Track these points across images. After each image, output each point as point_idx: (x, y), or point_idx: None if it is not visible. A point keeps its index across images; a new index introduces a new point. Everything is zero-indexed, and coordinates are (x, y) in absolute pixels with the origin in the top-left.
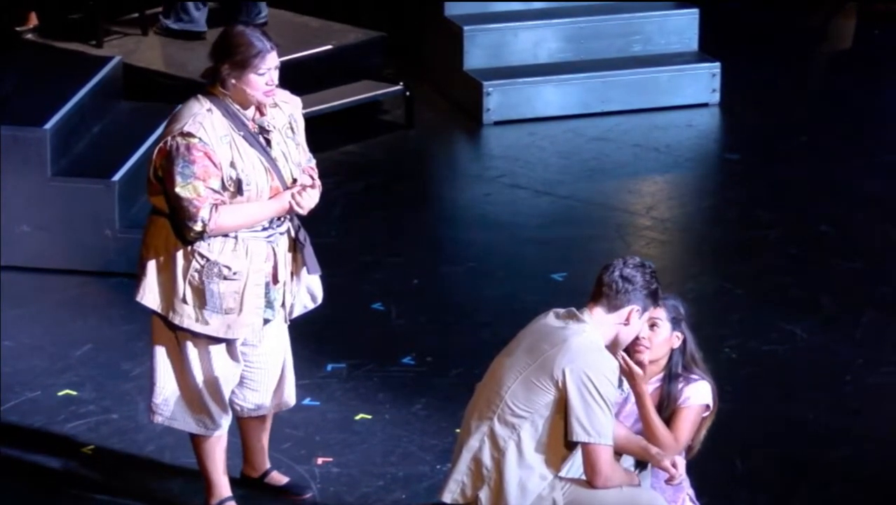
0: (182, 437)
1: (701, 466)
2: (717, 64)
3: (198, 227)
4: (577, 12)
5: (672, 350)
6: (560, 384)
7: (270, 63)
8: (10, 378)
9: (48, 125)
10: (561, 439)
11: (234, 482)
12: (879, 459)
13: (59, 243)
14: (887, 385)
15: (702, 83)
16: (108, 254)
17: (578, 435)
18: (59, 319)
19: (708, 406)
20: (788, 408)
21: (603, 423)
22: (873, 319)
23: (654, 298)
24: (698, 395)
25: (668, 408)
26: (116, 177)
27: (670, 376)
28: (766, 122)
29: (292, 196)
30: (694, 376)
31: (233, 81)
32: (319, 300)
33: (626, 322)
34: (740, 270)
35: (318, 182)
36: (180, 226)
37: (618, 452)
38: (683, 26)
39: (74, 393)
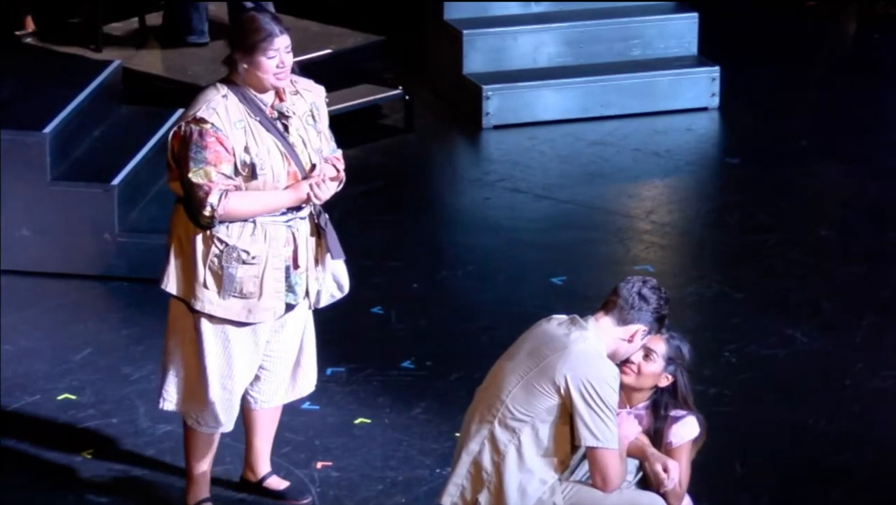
0: (181, 441)
1: (701, 471)
2: (717, 68)
3: (207, 212)
4: (577, 16)
5: (659, 388)
6: (562, 390)
7: (279, 45)
8: (10, 382)
9: (48, 129)
10: (562, 444)
11: (232, 486)
12: (880, 463)
13: (59, 247)
14: (887, 389)
15: (701, 87)
16: (107, 258)
17: (587, 440)
18: (59, 323)
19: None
20: (788, 412)
21: (610, 427)
22: (873, 323)
23: (660, 323)
24: (685, 431)
25: (654, 443)
26: (116, 181)
27: (656, 413)
28: (766, 126)
29: (310, 186)
30: (681, 412)
31: (245, 66)
32: (346, 289)
33: (630, 339)
34: (740, 273)
35: (342, 173)
36: (193, 211)
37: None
38: (683, 30)
39: (74, 397)
